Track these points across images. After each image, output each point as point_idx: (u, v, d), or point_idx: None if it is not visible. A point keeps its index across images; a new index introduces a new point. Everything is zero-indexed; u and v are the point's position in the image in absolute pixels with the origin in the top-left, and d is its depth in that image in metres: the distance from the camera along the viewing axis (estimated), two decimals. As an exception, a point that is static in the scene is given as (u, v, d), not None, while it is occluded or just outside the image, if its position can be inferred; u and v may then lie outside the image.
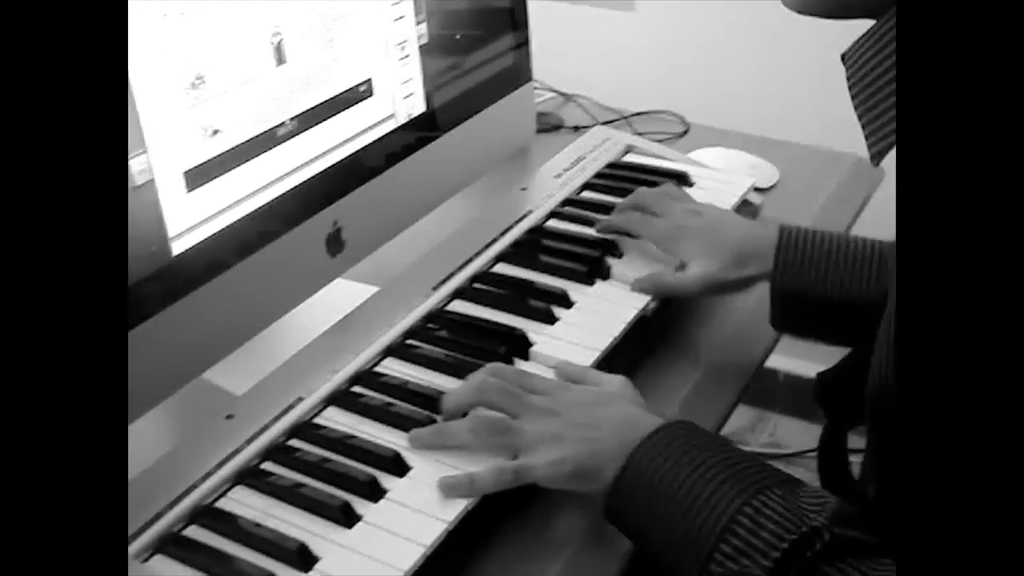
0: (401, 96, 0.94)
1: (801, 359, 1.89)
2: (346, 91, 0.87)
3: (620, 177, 1.10)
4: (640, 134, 1.28)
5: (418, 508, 0.67)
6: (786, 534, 0.60)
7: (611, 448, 0.67)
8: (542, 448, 0.69)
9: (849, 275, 0.87)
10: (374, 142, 0.91)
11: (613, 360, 0.84)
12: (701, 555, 0.62)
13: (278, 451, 0.72)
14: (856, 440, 0.91)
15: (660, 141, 1.25)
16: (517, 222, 0.99)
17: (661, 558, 0.65)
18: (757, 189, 1.14)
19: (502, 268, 0.94)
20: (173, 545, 0.65)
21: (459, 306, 0.89)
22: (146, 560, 0.64)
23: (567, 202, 1.04)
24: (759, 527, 0.60)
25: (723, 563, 0.61)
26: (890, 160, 0.59)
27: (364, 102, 0.90)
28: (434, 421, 0.74)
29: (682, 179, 1.09)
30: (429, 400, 0.76)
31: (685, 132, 1.34)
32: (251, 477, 0.70)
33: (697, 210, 0.96)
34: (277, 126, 0.81)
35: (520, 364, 0.81)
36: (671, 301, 0.93)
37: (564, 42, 1.79)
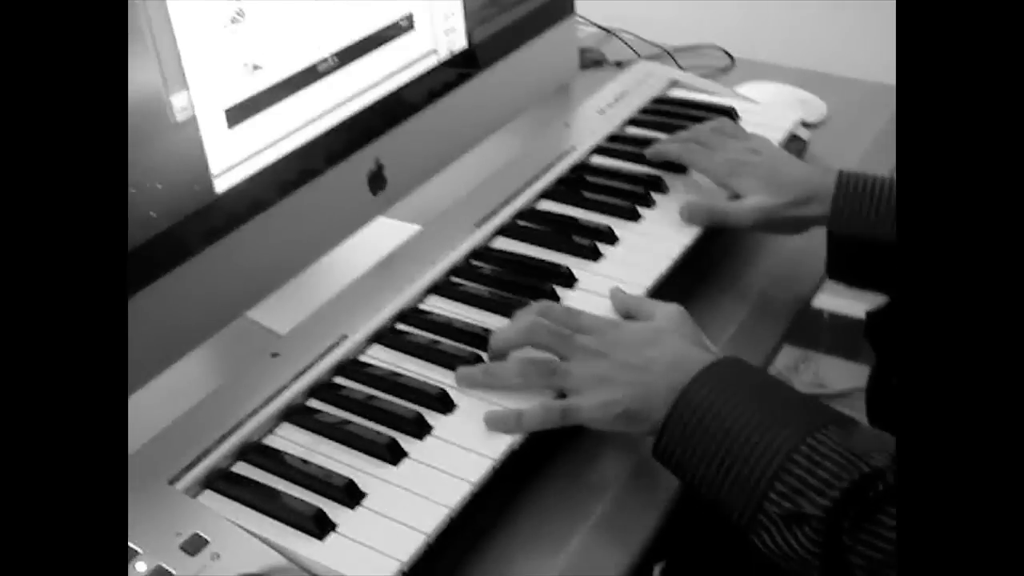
0: (443, 31, 0.93)
1: (846, 298, 1.87)
2: (387, 26, 0.86)
3: (666, 112, 1.08)
4: (683, 69, 1.26)
5: (464, 445, 0.67)
6: (845, 474, 0.59)
7: (661, 390, 0.66)
8: (591, 390, 0.68)
9: None
10: (416, 78, 0.90)
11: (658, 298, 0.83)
12: (755, 494, 0.61)
13: (323, 389, 0.72)
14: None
15: (704, 76, 1.23)
16: (560, 158, 0.98)
17: (712, 498, 0.64)
18: (805, 124, 1.12)
19: (546, 205, 0.93)
20: (221, 481, 0.66)
21: (503, 243, 0.88)
22: (196, 496, 0.65)
23: (612, 138, 1.03)
24: (816, 466, 0.59)
25: (778, 502, 0.60)
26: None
27: (405, 37, 0.88)
28: (479, 358, 0.74)
29: (729, 114, 1.07)
30: (474, 337, 0.76)
31: (730, 67, 1.31)
32: (297, 415, 0.70)
33: (755, 148, 0.94)
34: (318, 62, 0.80)
35: (566, 299, 0.80)
36: (717, 239, 0.91)
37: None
